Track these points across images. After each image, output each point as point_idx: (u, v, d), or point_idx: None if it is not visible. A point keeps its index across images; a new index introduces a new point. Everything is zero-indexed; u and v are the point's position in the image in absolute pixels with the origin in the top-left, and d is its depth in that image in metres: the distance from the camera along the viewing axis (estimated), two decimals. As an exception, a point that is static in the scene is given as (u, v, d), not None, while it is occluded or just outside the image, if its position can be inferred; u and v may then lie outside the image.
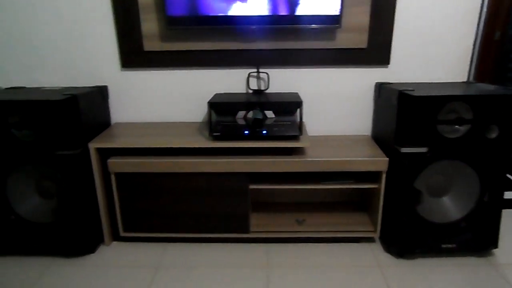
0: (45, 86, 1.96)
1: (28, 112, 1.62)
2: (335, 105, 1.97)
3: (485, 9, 1.92)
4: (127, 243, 1.90)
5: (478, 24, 1.88)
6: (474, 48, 1.91)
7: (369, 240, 1.90)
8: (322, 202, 2.10)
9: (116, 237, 1.91)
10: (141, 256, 1.80)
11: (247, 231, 1.84)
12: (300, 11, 1.70)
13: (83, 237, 1.77)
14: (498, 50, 2.87)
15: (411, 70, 1.91)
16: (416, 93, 1.56)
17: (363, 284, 1.60)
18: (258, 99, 1.72)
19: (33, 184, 1.78)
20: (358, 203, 2.09)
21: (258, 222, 1.92)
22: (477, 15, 1.86)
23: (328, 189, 2.09)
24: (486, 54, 2.97)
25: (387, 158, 1.70)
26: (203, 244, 1.89)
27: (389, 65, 1.90)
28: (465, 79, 1.96)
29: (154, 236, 1.88)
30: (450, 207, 1.74)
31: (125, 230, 1.85)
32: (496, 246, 1.74)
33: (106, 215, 1.84)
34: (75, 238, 1.76)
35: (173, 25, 1.74)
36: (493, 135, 1.63)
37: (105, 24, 1.85)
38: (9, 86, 1.96)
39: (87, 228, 1.76)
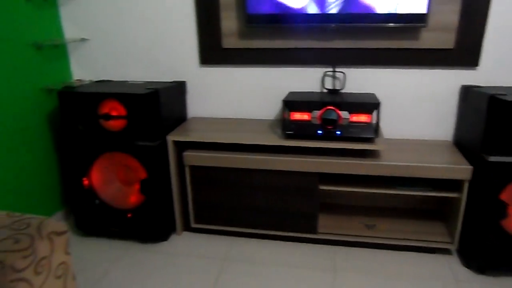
0: (130, 80, 2.09)
1: (115, 104, 1.73)
2: (414, 108, 1.87)
3: None
4: (197, 234, 1.96)
5: None
6: None
7: (445, 251, 1.79)
8: (393, 207, 2.02)
9: (187, 228, 1.98)
10: (209, 247, 1.86)
11: (314, 231, 1.82)
12: (384, 9, 1.64)
13: (158, 225, 1.86)
14: None
15: (501, 73, 1.76)
16: (508, 98, 1.44)
17: (437, 298, 1.52)
18: (333, 99, 1.68)
19: (116, 172, 1.91)
20: (433, 211, 1.98)
21: (325, 224, 1.89)
22: None
23: (401, 195, 2.00)
24: None
25: (471, 167, 1.58)
26: (270, 241, 1.90)
27: (477, 68, 1.76)
28: None
29: (222, 229, 1.93)
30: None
31: (196, 222, 1.92)
32: None
33: (179, 206, 1.91)
34: (150, 226, 1.85)
35: (252, 23, 1.76)
36: None
37: (187, 22, 1.93)
38: (98, 79, 2.12)
39: (162, 216, 1.85)
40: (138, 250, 1.84)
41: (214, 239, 1.93)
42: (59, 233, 1.14)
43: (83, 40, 2.05)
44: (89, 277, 1.66)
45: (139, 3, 1.95)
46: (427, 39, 1.74)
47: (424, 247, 1.79)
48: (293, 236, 1.88)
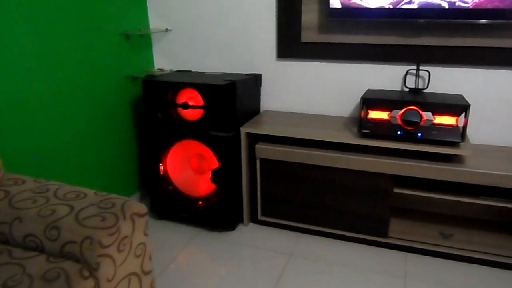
0: (207, 71, 2.14)
1: (194, 94, 1.79)
2: (505, 112, 1.72)
3: None
4: (263, 227, 1.98)
5: None
6: None
7: (531, 271, 1.64)
8: (471, 218, 1.88)
9: (254, 220, 2.01)
10: (275, 241, 1.86)
11: (385, 235, 1.75)
12: (480, 3, 1.51)
13: (226, 214, 1.90)
14: None
15: None
16: None
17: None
18: (415, 98, 1.60)
19: (189, 161, 1.98)
20: (520, 227, 1.81)
21: (397, 228, 1.81)
22: None
23: (481, 205, 1.85)
24: None
25: None
26: (337, 241, 1.86)
27: None
28: None
29: (288, 224, 1.92)
30: None
31: (262, 214, 1.93)
32: None
33: (247, 198, 1.94)
34: (219, 214, 1.90)
35: (334, 16, 1.72)
36: None
37: (267, 14, 1.93)
38: (177, 69, 2.20)
39: (230, 206, 1.89)
40: (206, 237, 1.90)
41: (280, 233, 1.93)
42: (140, 215, 1.20)
43: (166, 30, 2.14)
44: (160, 258, 1.75)
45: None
46: (528, 38, 1.58)
47: (504, 263, 1.65)
48: (362, 238, 1.82)
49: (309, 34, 1.87)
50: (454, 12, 1.55)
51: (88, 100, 1.79)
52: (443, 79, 1.76)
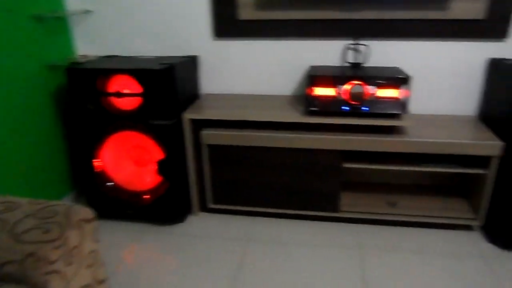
0: (138, 55, 1.97)
1: (128, 81, 1.63)
2: (439, 82, 1.81)
3: None
4: (215, 215, 1.91)
5: None
6: None
7: (466, 228, 1.77)
8: (415, 184, 1.98)
9: (204, 209, 1.92)
10: (229, 228, 1.81)
11: (336, 210, 1.78)
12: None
13: (174, 206, 1.79)
14: None
15: (531, 44, 1.70)
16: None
17: (466, 273, 1.50)
18: (359, 73, 1.61)
19: (129, 153, 1.82)
20: (455, 187, 1.95)
21: (347, 202, 1.84)
22: None
23: (423, 172, 1.96)
24: None
25: (503, 143, 1.54)
26: (291, 221, 1.85)
27: (506, 39, 1.70)
28: None
29: (241, 209, 1.87)
30: None
31: (213, 202, 1.86)
32: None
33: (196, 186, 1.85)
34: (167, 207, 1.79)
35: (273, -8, 1.66)
36: None
37: (200, -9, 1.81)
38: (105, 55, 1.99)
39: (178, 197, 1.78)
40: (155, 233, 1.78)
41: (233, 219, 1.87)
42: (88, 220, 1.07)
43: (87, 12, 1.92)
44: (107, 261, 1.60)
45: (147, -28, 1.82)
46: (457, 9, 1.66)
47: (446, 223, 1.77)
48: (315, 215, 1.84)
49: (246, 11, 1.79)
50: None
51: (0, 95, 1.55)
52: (381, 53, 1.80)
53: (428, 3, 1.67)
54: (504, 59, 1.67)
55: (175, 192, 1.76)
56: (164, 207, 1.79)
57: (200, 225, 1.83)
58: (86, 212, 1.07)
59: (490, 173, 1.60)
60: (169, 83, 1.61)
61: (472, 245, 1.67)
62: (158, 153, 1.73)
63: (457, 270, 1.52)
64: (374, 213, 1.78)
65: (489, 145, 1.55)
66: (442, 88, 1.82)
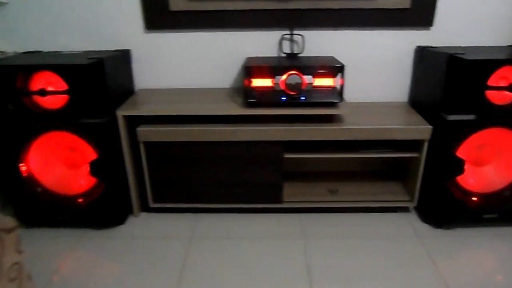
0: (63, 50, 1.84)
1: (53, 78, 1.51)
2: (371, 71, 1.87)
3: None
4: (157, 214, 1.84)
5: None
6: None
7: (404, 210, 1.86)
8: (354, 171, 2.04)
9: (145, 208, 1.85)
10: (173, 227, 1.75)
11: (280, 201, 1.78)
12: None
13: (113, 208, 1.70)
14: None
15: (454, 33, 1.80)
16: (469, 57, 1.47)
17: (402, 252, 1.57)
18: (295, 63, 1.61)
19: (59, 155, 1.70)
20: (391, 172, 2.03)
21: (290, 192, 1.86)
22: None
23: (361, 158, 2.02)
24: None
25: (431, 126, 1.62)
26: (236, 215, 1.83)
27: (431, 28, 1.78)
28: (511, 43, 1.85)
29: (184, 207, 1.82)
30: (492, 176, 1.69)
31: (155, 201, 1.79)
32: (538, 216, 1.70)
33: (135, 186, 1.77)
34: (104, 209, 1.69)
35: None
36: (544, 101, 1.55)
37: (128, -19, 1.72)
38: (25, 51, 1.84)
39: (116, 198, 1.70)
40: (93, 237, 1.69)
41: (176, 218, 1.82)
42: (8, 230, 0.98)
43: (1, 4, 1.75)
44: (40, 272, 1.49)
45: (68, -40, 1.69)
46: (385, -1, 1.71)
47: (386, 207, 1.84)
48: (259, 208, 1.83)
49: (179, 2, 1.73)
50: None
51: None
52: (316, 43, 1.82)
53: (358, -7, 1.70)
54: (429, 46, 1.75)
55: (112, 193, 1.67)
56: (101, 209, 1.69)
57: (142, 226, 1.76)
58: (6, 221, 0.97)
59: (420, 156, 1.68)
60: (98, 79, 1.51)
61: (408, 226, 1.75)
62: (91, 154, 1.63)
63: (395, 250, 1.59)
64: (317, 201, 1.80)
65: (419, 129, 1.62)
66: (375, 76, 1.88)
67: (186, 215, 1.83)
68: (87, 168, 1.65)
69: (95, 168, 1.63)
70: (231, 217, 1.82)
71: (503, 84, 1.52)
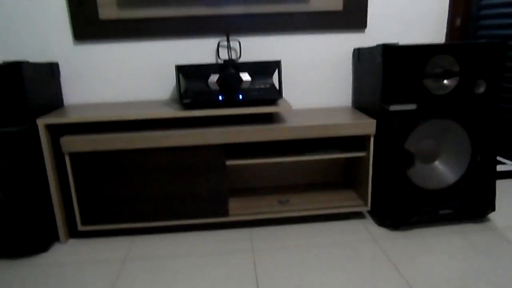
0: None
1: (-39, 82, 1.37)
2: (312, 75, 1.84)
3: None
4: (87, 239, 1.63)
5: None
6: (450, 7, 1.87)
7: (359, 216, 1.75)
8: (305, 183, 1.94)
9: (74, 234, 1.64)
10: (104, 251, 1.54)
11: (226, 214, 1.63)
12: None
13: (33, 233, 1.49)
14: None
15: (388, 35, 1.83)
16: (401, 45, 1.46)
17: (360, 258, 1.43)
18: (230, 63, 1.55)
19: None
20: (343, 181, 1.94)
21: (237, 206, 1.72)
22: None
23: (310, 167, 1.93)
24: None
25: (375, 120, 1.57)
26: (178, 234, 1.65)
27: (366, 30, 1.80)
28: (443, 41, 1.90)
29: (118, 228, 1.63)
30: (443, 171, 1.63)
31: (83, 223, 1.59)
32: (493, 209, 1.64)
33: (60, 206, 1.57)
34: (22, 235, 1.48)
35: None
36: (481, 89, 1.55)
37: (54, -10, 1.65)
38: None
39: (37, 221, 1.49)
40: (8, 267, 1.44)
41: (109, 241, 1.61)
42: None
43: None
44: None
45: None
46: (317, 2, 1.73)
47: (339, 213, 1.73)
48: (203, 223, 1.67)
49: (108, 11, 1.67)
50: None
51: None
52: (253, 49, 1.79)
53: (291, -4, 1.72)
54: (364, 48, 1.76)
55: (31, 215, 1.47)
56: (17, 235, 1.47)
57: (69, 252, 1.54)
58: None
59: (368, 154, 1.61)
60: (15, 82, 1.38)
61: (364, 231, 1.63)
62: (7, 168, 1.44)
63: (352, 256, 1.45)
64: (265, 212, 1.67)
65: (363, 123, 1.56)
66: (316, 81, 1.85)
67: (120, 238, 1.63)
68: (1, 186, 1.45)
69: (5, 184, 1.43)
70: (172, 236, 1.64)
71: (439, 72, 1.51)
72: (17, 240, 1.48)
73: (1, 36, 1.68)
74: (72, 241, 1.62)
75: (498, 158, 2.41)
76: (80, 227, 1.59)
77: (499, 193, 1.92)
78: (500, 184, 2.04)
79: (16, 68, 1.38)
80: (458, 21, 3.07)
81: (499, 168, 2.24)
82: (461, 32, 2.98)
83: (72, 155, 1.51)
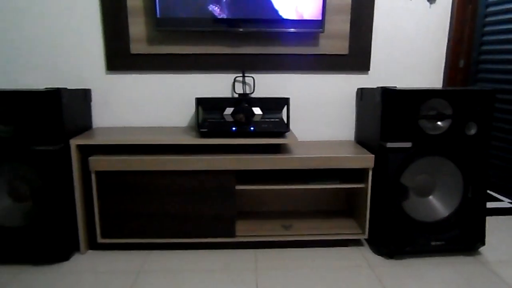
0: (25, 88, 1.91)
1: (8, 105, 1.56)
2: (319, 111, 2.01)
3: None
4: (105, 252, 1.77)
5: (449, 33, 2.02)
6: (447, 57, 2.04)
7: (357, 243, 1.87)
8: (308, 210, 2.07)
9: (93, 246, 1.78)
10: (120, 263, 1.68)
11: (233, 235, 1.77)
12: (286, 15, 1.78)
13: (57, 242, 1.64)
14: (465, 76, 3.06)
15: (389, 77, 2.00)
16: (398, 88, 1.63)
17: (355, 284, 1.54)
18: (245, 97, 1.73)
19: (5, 185, 1.67)
20: (344, 210, 2.07)
21: (244, 228, 1.85)
22: (447, 24, 2.00)
23: (314, 195, 2.07)
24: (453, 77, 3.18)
25: (373, 155, 1.72)
26: (188, 251, 1.79)
27: (369, 72, 1.98)
28: (440, 86, 2.06)
29: (134, 242, 1.77)
30: (437, 205, 1.76)
31: (103, 236, 1.74)
32: (483, 243, 1.75)
33: (83, 219, 1.72)
34: (47, 244, 1.63)
35: (162, 26, 1.77)
36: (472, 131, 1.69)
37: (92, 26, 1.87)
38: (-14, 88, 1.90)
39: (61, 232, 1.64)
40: (32, 273, 1.59)
41: (125, 254, 1.75)
42: None
43: (-32, 44, 1.86)
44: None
45: (40, 7, 1.84)
46: (326, 46, 1.92)
47: (339, 240, 1.85)
48: (212, 243, 1.80)
49: (138, 46, 1.88)
50: (266, 21, 1.78)
51: None
52: (266, 85, 1.97)
53: (302, 40, 1.91)
54: (367, 88, 1.93)
55: (57, 225, 1.63)
56: (45, 244, 1.62)
57: (88, 262, 1.68)
58: None
59: (367, 186, 1.75)
60: (54, 106, 1.57)
61: (361, 258, 1.74)
62: (40, 183, 1.61)
63: (348, 282, 1.56)
64: (270, 235, 1.80)
65: (363, 157, 1.71)
66: (322, 116, 2.02)
67: (135, 252, 1.77)
68: (33, 199, 1.61)
69: (42, 199, 1.60)
70: (183, 253, 1.77)
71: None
72: (42, 248, 1.63)
73: (45, 65, 1.89)
74: (91, 252, 1.77)
75: (496, 195, 2.52)
76: (100, 240, 1.74)
77: (493, 229, 2.03)
78: (495, 220, 2.14)
79: (56, 94, 1.57)
80: (461, 63, 3.25)
81: (495, 204, 2.35)
82: (464, 73, 3.15)
83: (98, 174, 1.68)
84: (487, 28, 2.60)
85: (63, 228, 1.65)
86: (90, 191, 1.72)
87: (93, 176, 1.67)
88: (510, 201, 2.42)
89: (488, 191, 2.58)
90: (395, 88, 1.64)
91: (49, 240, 1.63)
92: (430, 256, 1.75)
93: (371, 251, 1.80)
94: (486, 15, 2.60)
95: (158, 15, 1.76)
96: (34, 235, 1.62)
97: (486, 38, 2.61)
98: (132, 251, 1.78)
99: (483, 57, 2.64)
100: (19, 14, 1.84)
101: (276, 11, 1.78)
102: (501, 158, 2.51)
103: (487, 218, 2.14)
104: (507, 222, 2.13)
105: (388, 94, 1.64)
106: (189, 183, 1.70)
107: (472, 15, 2.96)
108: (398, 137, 1.65)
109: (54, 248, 1.64)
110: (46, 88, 1.60)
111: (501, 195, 2.51)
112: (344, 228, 1.86)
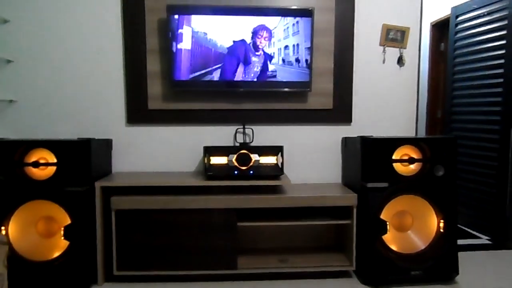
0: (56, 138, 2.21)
1: (44, 154, 1.85)
2: (309, 157, 2.31)
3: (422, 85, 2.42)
4: (120, 283, 1.98)
5: (418, 93, 2.37)
6: (417, 111, 2.37)
7: (346, 274, 2.08)
8: (302, 245, 2.30)
9: (109, 278, 2.00)
10: (134, 292, 1.89)
11: (235, 267, 1.99)
12: (279, 77, 2.13)
13: (78, 275, 1.86)
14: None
15: (369, 128, 2.32)
16: (374, 137, 1.93)
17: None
18: (245, 146, 2.03)
19: (36, 223, 1.92)
20: (334, 244, 2.30)
21: (245, 262, 2.07)
22: (415, 85, 2.35)
23: (307, 232, 2.30)
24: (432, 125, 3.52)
25: (356, 194, 1.99)
26: (194, 283, 2.00)
27: (351, 123, 2.30)
28: (413, 134, 2.37)
29: (146, 275, 1.99)
30: (414, 238, 2.00)
31: (118, 269, 1.95)
32: (457, 273, 1.97)
33: (102, 253, 1.95)
34: (69, 277, 1.85)
35: (178, 87, 2.12)
36: (440, 173, 1.97)
37: (117, 86, 2.21)
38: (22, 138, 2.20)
39: (83, 265, 1.87)
40: (58, 302, 1.80)
41: (138, 286, 1.96)
42: (3, 242, 1.19)
43: (11, 101, 2.18)
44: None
45: (72, 63, 2.20)
46: (313, 102, 2.26)
47: (330, 272, 2.06)
48: (216, 275, 2.01)
49: (155, 103, 2.21)
50: (262, 83, 2.13)
51: None
52: (263, 135, 2.28)
53: (293, 97, 2.25)
54: (350, 137, 2.24)
55: (79, 260, 1.85)
56: (66, 276, 1.84)
57: (105, 293, 1.89)
58: (1, 235, 1.20)
59: (352, 221, 2.00)
60: (84, 154, 1.86)
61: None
62: (67, 221, 1.86)
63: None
64: (269, 267, 2.02)
65: (347, 196, 1.99)
66: (312, 163, 2.31)
67: (147, 284, 1.98)
68: (60, 235, 1.86)
69: (68, 232, 1.85)
70: (189, 285, 1.98)
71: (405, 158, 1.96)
72: (65, 280, 1.84)
73: (75, 117, 2.22)
74: (107, 285, 1.98)
75: (474, 232, 2.75)
76: (116, 272, 1.96)
77: (471, 263, 2.23)
78: (474, 255, 2.35)
79: (87, 144, 1.87)
80: (439, 113, 3.60)
81: (474, 241, 2.58)
82: (442, 122, 3.49)
83: (117, 212, 1.94)
84: (456, 84, 2.96)
85: (85, 261, 1.88)
86: (108, 227, 1.96)
87: (113, 214, 1.93)
88: (487, 238, 2.65)
89: (466, 229, 2.82)
90: (371, 137, 1.95)
91: (71, 273, 1.85)
92: (412, 285, 1.96)
93: (358, 282, 2.01)
94: (454, 73, 2.98)
95: (174, 78, 2.10)
96: (58, 269, 1.84)
97: (456, 92, 2.97)
98: (144, 283, 1.99)
99: (455, 108, 2.98)
100: (61, 75, 2.19)
101: (270, 74, 2.13)
102: (477, 199, 2.77)
103: (466, 253, 2.36)
104: (482, 257, 2.35)
105: (365, 142, 1.95)
106: (196, 220, 1.96)
107: (445, 72, 3.36)
108: (376, 178, 1.93)
109: (75, 280, 1.86)
110: (78, 138, 1.90)
111: (479, 232, 2.75)
112: (334, 261, 2.08)
